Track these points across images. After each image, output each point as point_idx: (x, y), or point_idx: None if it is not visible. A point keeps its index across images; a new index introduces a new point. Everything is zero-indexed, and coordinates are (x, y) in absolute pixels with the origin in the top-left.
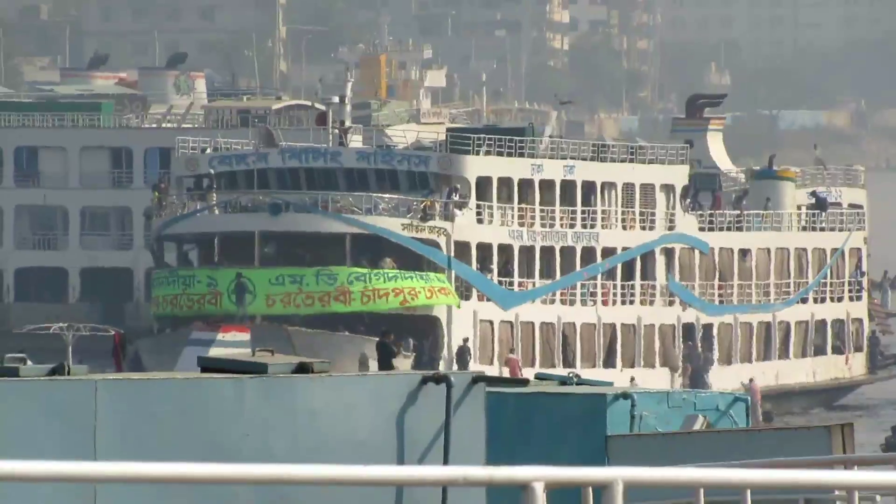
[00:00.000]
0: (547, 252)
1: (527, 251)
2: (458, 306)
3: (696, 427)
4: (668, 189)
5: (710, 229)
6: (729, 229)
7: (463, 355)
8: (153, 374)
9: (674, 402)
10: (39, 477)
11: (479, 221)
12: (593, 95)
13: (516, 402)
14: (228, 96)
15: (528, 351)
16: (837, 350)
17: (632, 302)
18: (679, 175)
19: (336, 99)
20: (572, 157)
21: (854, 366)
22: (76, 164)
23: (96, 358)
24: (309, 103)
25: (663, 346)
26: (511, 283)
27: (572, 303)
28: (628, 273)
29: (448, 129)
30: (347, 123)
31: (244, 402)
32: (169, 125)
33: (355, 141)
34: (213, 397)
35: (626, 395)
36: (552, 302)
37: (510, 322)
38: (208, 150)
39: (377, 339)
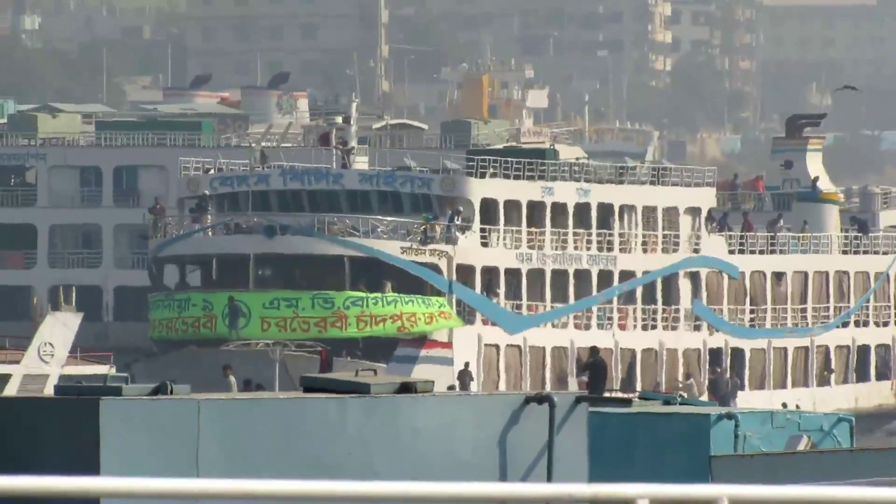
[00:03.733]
0: (559, 275)
1: (537, 274)
2: (460, 325)
3: (801, 447)
4: (694, 211)
5: (741, 252)
6: (762, 252)
7: (463, 379)
8: (257, 394)
9: (777, 422)
10: (142, 493)
11: (484, 244)
12: (695, 115)
13: (619, 422)
14: (333, 114)
15: (537, 375)
16: (883, 376)
17: (654, 326)
18: (705, 197)
19: (340, 119)
20: (587, 181)
21: None
22: (175, 184)
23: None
24: (410, 122)
25: (687, 371)
26: (519, 307)
27: (587, 327)
28: (649, 297)
29: (468, 151)
30: (352, 144)
31: (347, 421)
32: (267, 144)
33: (361, 162)
34: (316, 417)
35: (730, 416)
36: (565, 326)
37: (518, 346)
38: (212, 171)
39: (375, 364)
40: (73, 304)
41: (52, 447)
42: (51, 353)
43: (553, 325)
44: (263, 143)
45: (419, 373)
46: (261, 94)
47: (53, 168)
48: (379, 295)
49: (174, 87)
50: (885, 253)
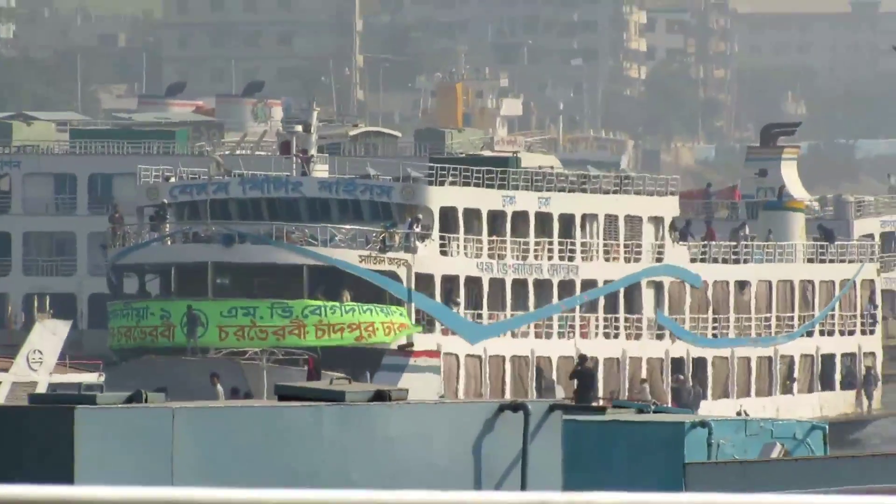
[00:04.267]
0: (519, 285)
1: (497, 284)
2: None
3: (774, 455)
4: (657, 221)
5: (703, 261)
6: (725, 261)
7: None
8: (231, 402)
9: (751, 430)
10: (117, 502)
11: (444, 253)
12: (670, 124)
13: (594, 430)
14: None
15: (497, 385)
16: (848, 385)
17: (616, 335)
18: (669, 206)
19: (300, 127)
20: (549, 189)
21: (867, 401)
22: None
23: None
24: (385, 130)
25: (650, 380)
26: (479, 316)
27: (548, 336)
28: (612, 306)
29: (430, 159)
30: (311, 152)
31: (322, 429)
32: (242, 152)
33: (321, 171)
34: (291, 425)
35: (703, 424)
36: (526, 335)
37: (478, 356)
38: (172, 179)
39: (335, 374)
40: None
41: (27, 456)
42: (39, 361)
43: (513, 335)
44: (238, 151)
45: (407, 382)
46: (236, 102)
47: (28, 175)
48: (337, 304)
49: (149, 94)
50: (850, 262)
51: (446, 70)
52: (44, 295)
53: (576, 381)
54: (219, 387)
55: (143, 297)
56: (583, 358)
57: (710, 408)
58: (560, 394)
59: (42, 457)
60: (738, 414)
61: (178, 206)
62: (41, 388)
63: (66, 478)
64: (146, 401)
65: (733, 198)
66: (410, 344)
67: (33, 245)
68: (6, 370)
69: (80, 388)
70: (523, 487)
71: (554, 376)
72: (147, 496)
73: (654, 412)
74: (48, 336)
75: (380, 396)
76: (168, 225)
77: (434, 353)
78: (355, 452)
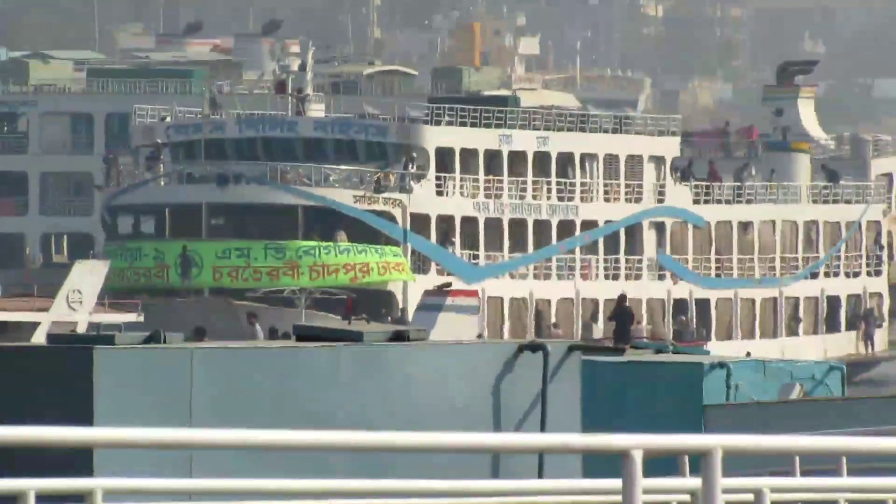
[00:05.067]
0: (517, 225)
1: (494, 224)
2: (414, 281)
3: (794, 396)
4: (658, 160)
5: (707, 202)
6: (728, 202)
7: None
8: (249, 343)
9: (770, 371)
10: (135, 443)
11: (440, 193)
12: (687, 64)
13: (612, 371)
14: (323, 63)
15: (496, 326)
16: (852, 326)
17: (616, 277)
18: (670, 146)
19: (296, 66)
20: (547, 129)
21: (868, 342)
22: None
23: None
24: (402, 69)
25: (651, 321)
26: (476, 257)
27: (547, 277)
28: (612, 247)
29: (429, 99)
30: (307, 91)
31: (340, 370)
32: (260, 92)
33: (317, 110)
34: (308, 366)
35: (722, 365)
36: (524, 277)
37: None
38: (168, 119)
39: (328, 314)
40: (65, 252)
41: (46, 396)
42: (79, 301)
43: (511, 276)
44: (256, 91)
45: (444, 322)
46: (253, 41)
47: (45, 115)
48: (332, 244)
49: (166, 33)
50: (856, 202)
51: (464, 9)
52: (61, 235)
53: (615, 322)
54: (257, 326)
55: (138, 238)
56: (622, 298)
57: (713, 350)
58: (600, 333)
59: (60, 397)
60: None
61: (174, 147)
62: (81, 328)
63: (86, 418)
64: (164, 341)
65: (750, 137)
66: (448, 284)
67: (50, 185)
68: (46, 310)
69: (122, 328)
70: (542, 428)
71: (552, 318)
72: (165, 438)
73: (673, 353)
74: (87, 276)
75: (398, 337)
76: (162, 165)
77: (472, 293)
78: (373, 393)
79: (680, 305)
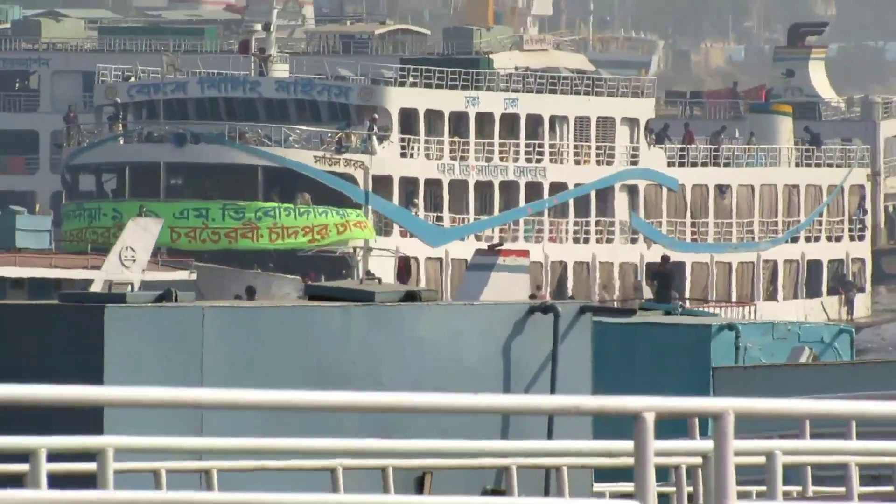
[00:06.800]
0: (483, 187)
1: (460, 186)
2: (374, 238)
3: (803, 359)
4: (632, 122)
5: (682, 165)
6: (704, 165)
7: None
8: (261, 302)
9: (778, 333)
10: (146, 402)
11: (404, 155)
12: (700, 25)
13: (622, 332)
14: (336, 22)
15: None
16: (834, 291)
17: (587, 240)
18: (644, 108)
19: (259, 26)
20: (515, 91)
21: (856, 307)
22: None
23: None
24: (413, 28)
25: (623, 285)
26: (440, 219)
27: (515, 239)
28: (583, 210)
29: (401, 60)
30: (270, 51)
31: (351, 329)
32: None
33: (281, 70)
34: (320, 325)
35: (731, 327)
36: (490, 239)
37: (439, 258)
38: (133, 79)
39: (288, 276)
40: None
41: (56, 354)
42: (132, 259)
43: (478, 238)
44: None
45: (495, 282)
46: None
47: (56, 73)
48: (291, 206)
49: None
50: (838, 166)
51: None
52: None
53: (656, 282)
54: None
55: (97, 198)
56: (665, 259)
57: None
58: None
59: (71, 355)
60: None
61: (136, 106)
62: (134, 286)
63: (96, 377)
64: (176, 300)
65: (760, 98)
66: (500, 243)
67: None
68: (98, 268)
69: (111, 286)
70: (553, 390)
71: None
72: (177, 397)
73: (682, 314)
74: (140, 233)
75: (410, 297)
76: (121, 124)
77: (523, 253)
78: (384, 353)
79: (653, 269)
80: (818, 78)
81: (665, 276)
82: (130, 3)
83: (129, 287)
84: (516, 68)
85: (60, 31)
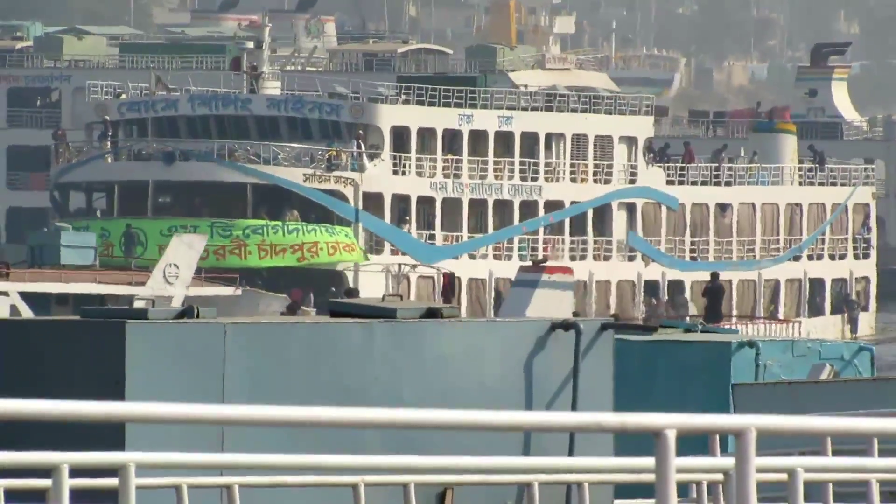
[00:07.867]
0: (477, 205)
1: (453, 204)
2: (363, 262)
3: (824, 376)
4: (630, 141)
5: (681, 183)
6: (704, 183)
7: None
8: (283, 318)
9: (798, 350)
10: (168, 419)
11: (395, 173)
12: (722, 43)
13: (642, 350)
14: (357, 40)
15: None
16: (837, 310)
17: (583, 258)
18: (642, 126)
19: (251, 44)
20: (510, 108)
21: (860, 326)
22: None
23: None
24: (436, 47)
25: (620, 303)
26: (433, 237)
27: (509, 258)
28: (580, 228)
29: (398, 78)
30: (262, 69)
31: (373, 346)
32: (292, 68)
33: (272, 88)
34: (342, 341)
35: (751, 344)
36: (484, 257)
37: (431, 277)
38: (123, 96)
39: (279, 294)
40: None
41: (77, 370)
42: (176, 275)
43: (471, 257)
44: (289, 67)
45: (539, 298)
46: (288, 17)
47: (78, 90)
48: (280, 223)
49: (202, 9)
50: (843, 185)
51: None
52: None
53: (707, 298)
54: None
55: (87, 216)
56: (715, 275)
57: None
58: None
59: (93, 371)
60: None
61: (127, 124)
62: (177, 302)
63: (117, 393)
64: (198, 316)
65: (783, 118)
66: (544, 259)
67: None
68: (143, 283)
69: (132, 302)
70: (574, 407)
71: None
72: (198, 414)
73: (702, 332)
74: (184, 249)
75: (431, 314)
76: (110, 142)
77: (568, 270)
78: (406, 370)
79: (651, 287)
80: (840, 98)
81: (715, 293)
82: (152, 20)
83: (152, 303)
84: (539, 87)
85: (82, 48)
